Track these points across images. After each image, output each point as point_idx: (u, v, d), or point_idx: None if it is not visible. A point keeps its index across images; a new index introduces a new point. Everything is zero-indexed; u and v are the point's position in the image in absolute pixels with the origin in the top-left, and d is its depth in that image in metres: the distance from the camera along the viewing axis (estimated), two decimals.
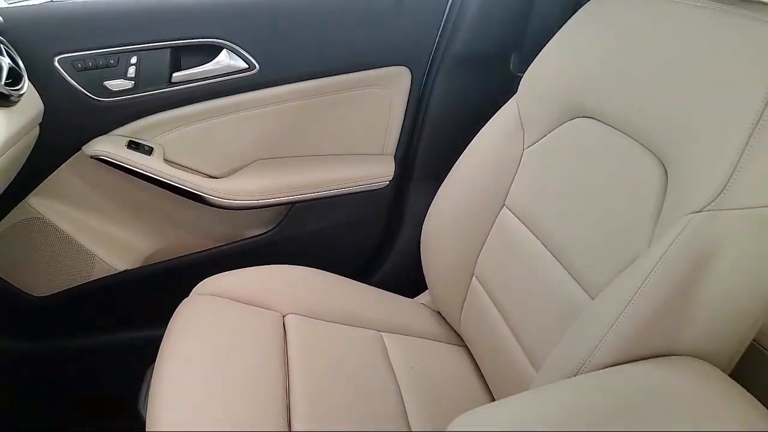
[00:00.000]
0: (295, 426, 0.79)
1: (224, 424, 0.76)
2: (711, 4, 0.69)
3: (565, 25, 0.91)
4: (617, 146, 0.74)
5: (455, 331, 1.07)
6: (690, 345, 0.62)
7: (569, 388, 0.60)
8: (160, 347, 0.89)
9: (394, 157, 1.28)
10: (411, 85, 1.22)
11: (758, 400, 0.57)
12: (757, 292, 0.62)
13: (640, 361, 0.61)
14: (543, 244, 0.83)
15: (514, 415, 0.57)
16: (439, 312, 1.11)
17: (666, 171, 0.66)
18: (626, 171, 0.72)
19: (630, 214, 0.69)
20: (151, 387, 0.83)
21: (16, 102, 0.89)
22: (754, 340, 0.94)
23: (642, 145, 0.70)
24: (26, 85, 0.93)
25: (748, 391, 0.60)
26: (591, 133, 0.79)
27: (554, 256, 0.80)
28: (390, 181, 1.26)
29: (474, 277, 0.98)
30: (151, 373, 0.87)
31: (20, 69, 0.92)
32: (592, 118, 0.80)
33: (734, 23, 0.65)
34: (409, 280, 1.20)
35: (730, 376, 0.67)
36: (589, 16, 0.87)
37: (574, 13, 0.91)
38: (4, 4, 1.06)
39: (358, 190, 1.25)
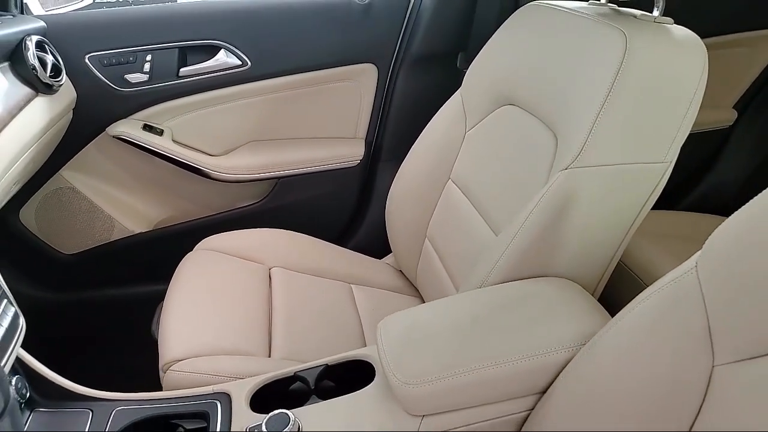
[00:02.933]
0: (274, 343, 0.97)
1: (219, 340, 0.93)
2: (589, 14, 0.86)
3: (497, 31, 1.06)
4: (528, 125, 0.91)
5: (413, 286, 1.23)
6: (560, 270, 0.82)
7: (468, 295, 0.81)
8: (169, 287, 1.05)
9: (364, 140, 1.43)
10: (378, 79, 1.36)
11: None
12: (609, 230, 0.81)
13: (522, 280, 0.81)
14: (472, 204, 1.00)
15: (423, 311, 0.78)
16: (401, 270, 1.26)
17: (557, 140, 0.83)
18: (532, 144, 0.89)
19: (532, 176, 0.86)
20: (161, 315, 1.00)
21: (57, 91, 1.08)
22: (627, 267, 1.13)
23: (543, 122, 0.88)
24: (64, 77, 1.11)
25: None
26: (512, 117, 0.96)
27: (479, 213, 0.98)
28: (360, 160, 1.41)
29: (426, 239, 1.14)
30: (161, 307, 1.04)
31: (60, 64, 1.10)
32: (514, 105, 0.96)
33: (596, 29, 0.82)
34: (377, 245, 1.34)
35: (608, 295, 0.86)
36: (513, 25, 1.03)
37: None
38: (42, 11, 1.25)
39: (334, 168, 1.40)
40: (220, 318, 0.98)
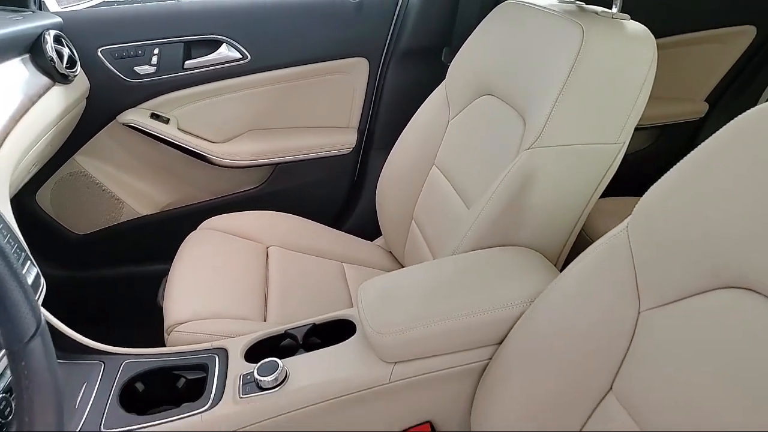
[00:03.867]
0: (269, 310, 1.05)
1: (218, 306, 1.01)
2: (556, 11, 0.94)
3: (477, 27, 1.13)
4: (502, 113, 0.99)
5: (401, 266, 1.30)
6: (524, 240, 0.90)
7: (439, 261, 0.89)
8: (173, 262, 1.13)
9: (357, 129, 1.50)
10: (369, 72, 1.44)
11: None
12: (568, 204, 0.90)
13: (488, 248, 0.90)
14: (453, 186, 1.08)
15: (399, 275, 0.86)
16: (390, 252, 1.34)
17: (525, 124, 0.91)
18: (505, 129, 0.97)
19: (503, 157, 0.94)
20: (166, 286, 1.08)
21: (72, 81, 1.17)
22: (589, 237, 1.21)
23: (514, 109, 0.96)
24: (78, 68, 1.19)
25: None
26: (490, 106, 1.04)
27: (457, 194, 1.06)
28: (353, 148, 1.48)
29: (413, 221, 1.21)
30: (167, 279, 1.11)
31: (75, 56, 1.19)
32: (492, 95, 1.04)
33: (559, 24, 0.90)
34: (369, 228, 1.41)
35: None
36: (491, 21, 1.11)
37: None
38: (58, 8, 1.33)
39: (328, 155, 1.47)
40: (220, 287, 1.06)
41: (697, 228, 0.54)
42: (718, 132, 0.57)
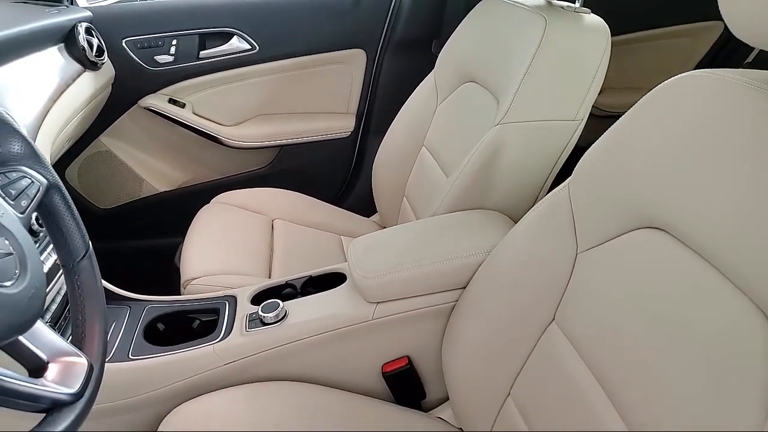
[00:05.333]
0: (273, 271, 1.17)
1: (229, 265, 1.13)
2: (528, 6, 1.05)
3: (462, 21, 1.25)
4: (482, 97, 1.10)
5: None
6: (493, 205, 1.02)
7: (419, 221, 1.02)
8: (188, 230, 1.25)
9: (355, 114, 1.61)
10: (366, 62, 1.55)
11: None
12: (532, 174, 1.02)
13: (461, 211, 1.03)
14: (438, 164, 1.20)
15: (383, 232, 0.99)
16: (384, 227, 1.43)
17: (498, 105, 1.03)
18: (483, 110, 1.08)
19: (479, 133, 1.04)
20: (182, 249, 1.21)
21: (100, 68, 1.30)
22: None
23: (491, 93, 1.07)
24: (105, 57, 1.32)
25: None
26: (472, 91, 1.16)
27: (442, 170, 1.17)
28: (351, 132, 1.60)
29: (404, 198, 1.32)
30: (182, 245, 1.24)
31: (102, 46, 1.32)
32: (474, 81, 1.16)
33: (527, 17, 1.02)
34: (366, 206, 1.53)
35: None
36: (474, 16, 1.23)
37: None
38: (87, 3, 1.46)
39: (329, 138, 1.59)
40: (230, 251, 1.18)
41: (620, 178, 0.65)
42: (640, 100, 0.69)
